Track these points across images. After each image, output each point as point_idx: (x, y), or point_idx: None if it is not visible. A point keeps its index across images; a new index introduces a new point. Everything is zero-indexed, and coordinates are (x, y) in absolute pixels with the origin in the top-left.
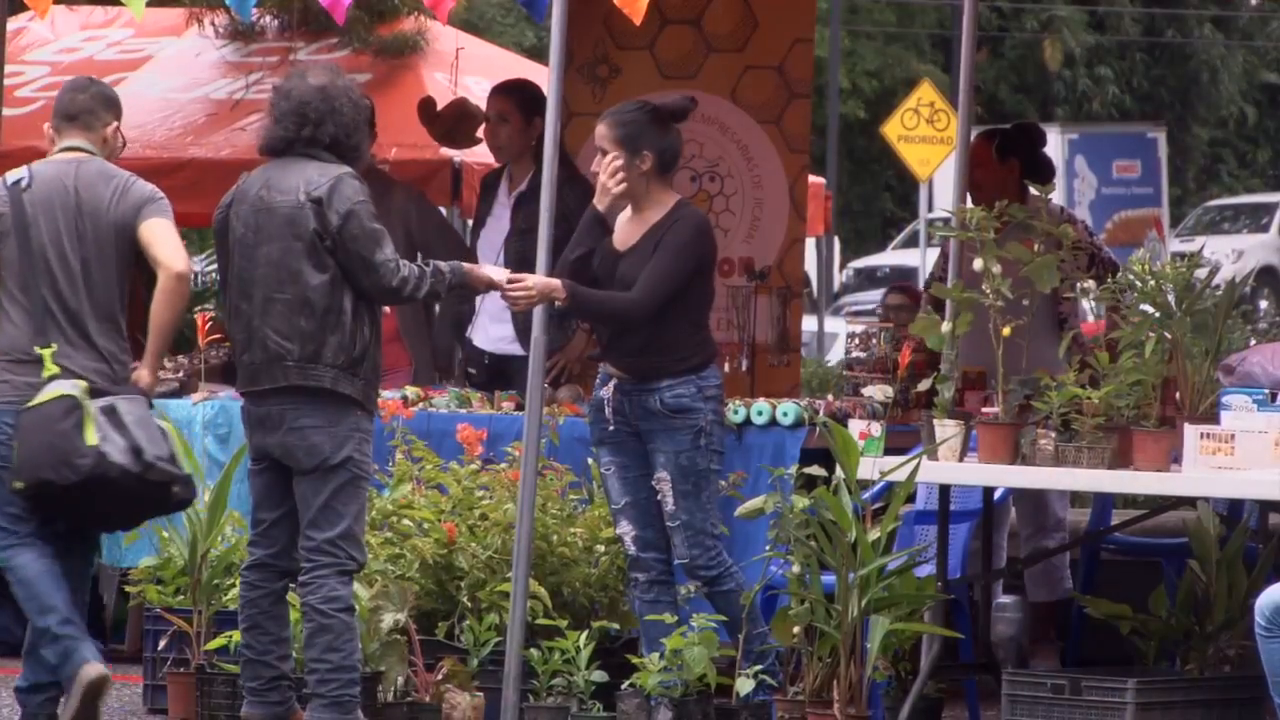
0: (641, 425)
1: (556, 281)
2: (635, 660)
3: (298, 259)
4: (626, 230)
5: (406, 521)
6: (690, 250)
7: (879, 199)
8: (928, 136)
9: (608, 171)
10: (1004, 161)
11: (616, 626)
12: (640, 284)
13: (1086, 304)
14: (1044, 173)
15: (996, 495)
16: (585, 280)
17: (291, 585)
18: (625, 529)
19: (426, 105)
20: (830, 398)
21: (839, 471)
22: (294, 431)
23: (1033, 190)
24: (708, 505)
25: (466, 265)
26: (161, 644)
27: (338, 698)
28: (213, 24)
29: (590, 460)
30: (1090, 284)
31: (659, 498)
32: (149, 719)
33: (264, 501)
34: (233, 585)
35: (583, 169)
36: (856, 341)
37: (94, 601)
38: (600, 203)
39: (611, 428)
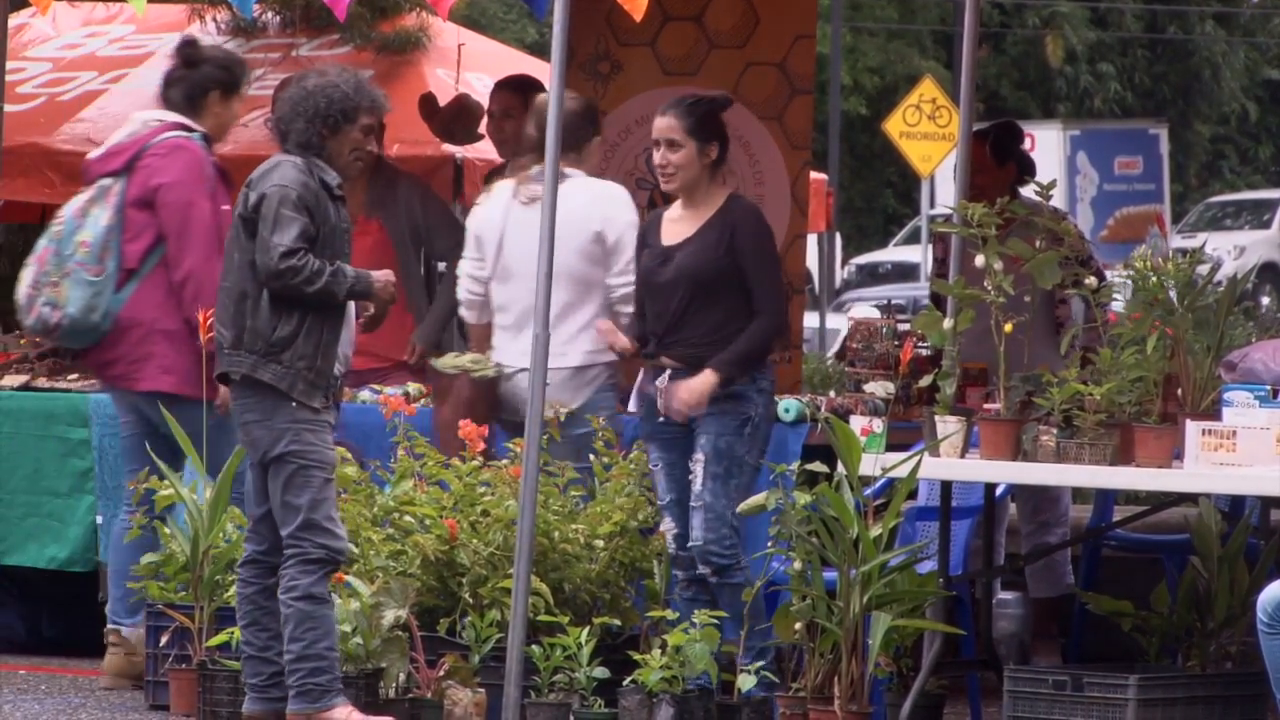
0: (693, 414)
1: (708, 385)
2: (637, 657)
3: (233, 245)
4: (678, 224)
5: (408, 518)
6: (770, 244)
7: (881, 195)
8: (929, 133)
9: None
10: (1002, 165)
11: (618, 623)
12: (760, 302)
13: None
14: (1031, 171)
15: (998, 492)
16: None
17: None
18: (668, 525)
19: (427, 101)
20: (832, 394)
21: (841, 468)
22: (241, 427)
23: (1033, 189)
24: (735, 494)
25: (375, 276)
26: (163, 640)
27: (301, 687)
28: (214, 20)
29: (591, 457)
30: (1091, 280)
31: (690, 477)
32: (151, 715)
33: (253, 497)
34: (234, 581)
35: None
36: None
37: (94, 598)
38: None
39: (663, 418)
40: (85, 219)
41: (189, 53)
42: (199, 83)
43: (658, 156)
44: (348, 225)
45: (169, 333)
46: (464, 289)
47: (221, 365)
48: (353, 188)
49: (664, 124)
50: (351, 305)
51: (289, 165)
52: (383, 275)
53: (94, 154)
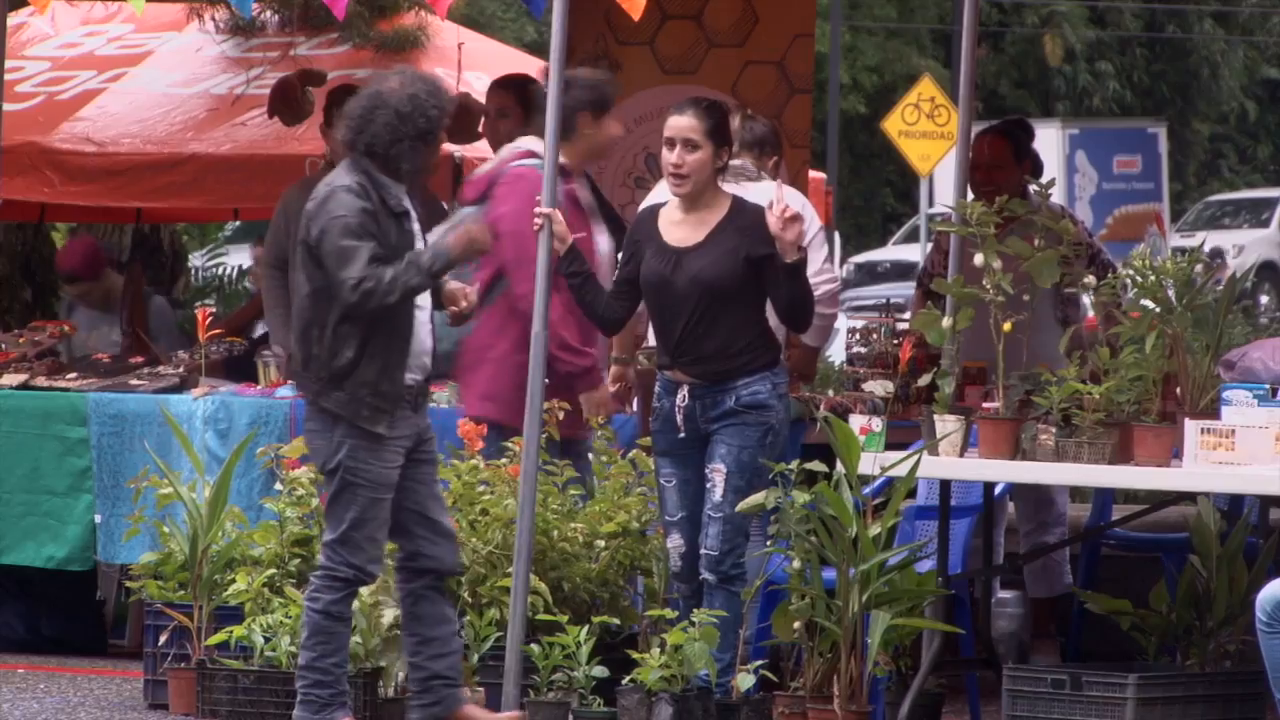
0: (711, 426)
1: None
2: (636, 655)
3: (296, 268)
4: (682, 227)
5: None
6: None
7: (879, 194)
8: (928, 132)
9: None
10: (1019, 164)
11: (617, 622)
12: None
13: (1086, 299)
14: (1039, 171)
15: (996, 491)
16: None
17: (433, 584)
18: (675, 542)
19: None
20: (831, 393)
21: (840, 467)
22: (305, 434)
23: (1032, 189)
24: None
25: (448, 242)
26: (162, 639)
27: (305, 695)
28: (213, 19)
29: (591, 456)
30: (1091, 279)
31: (708, 486)
32: (149, 714)
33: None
34: (233, 580)
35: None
36: (857, 337)
37: (93, 597)
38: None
39: (682, 434)
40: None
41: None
42: (568, 105)
43: (672, 156)
44: (412, 238)
45: (495, 360)
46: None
47: (295, 383)
48: None
49: (684, 123)
50: (423, 312)
51: (343, 193)
52: (458, 235)
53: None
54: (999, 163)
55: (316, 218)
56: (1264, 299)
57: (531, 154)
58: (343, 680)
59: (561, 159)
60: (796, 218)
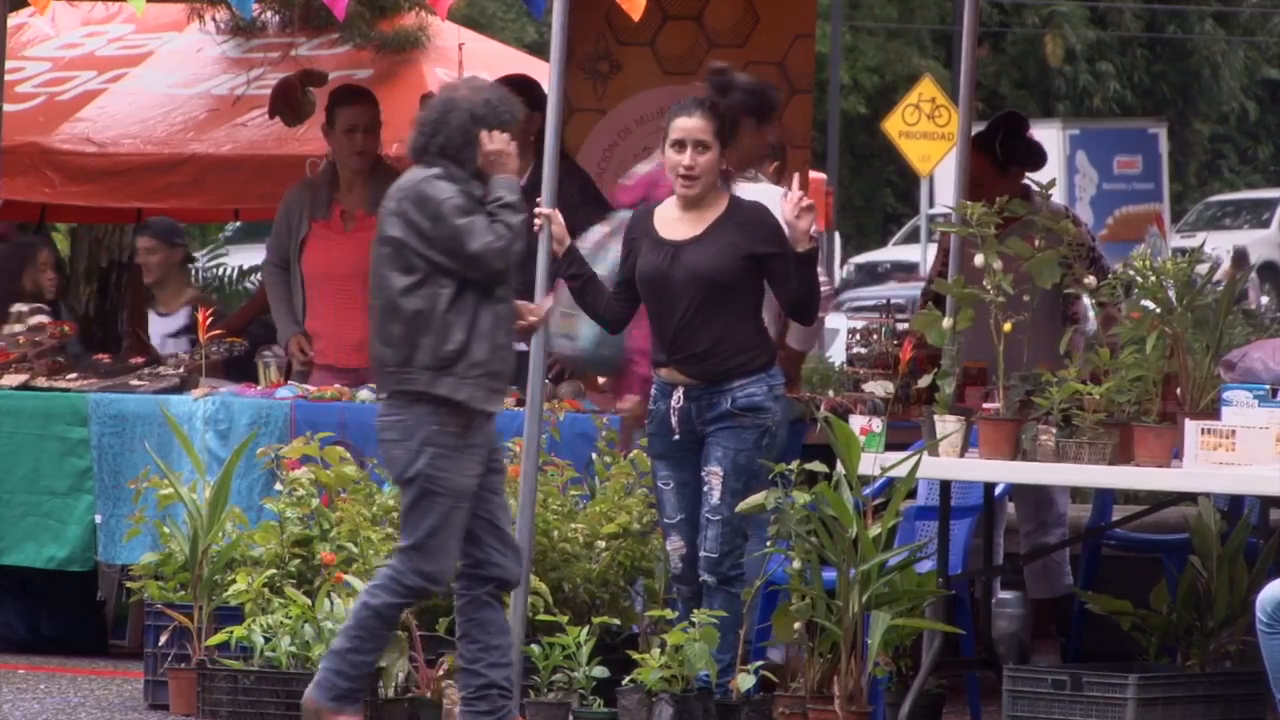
0: (707, 428)
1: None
2: (636, 656)
3: (385, 264)
4: (680, 223)
5: None
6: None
7: (880, 194)
8: (929, 132)
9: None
10: (1006, 172)
11: (617, 622)
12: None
13: (1086, 300)
14: (1037, 160)
15: (997, 492)
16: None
17: (494, 593)
18: (675, 544)
19: (427, 101)
20: (831, 393)
21: (840, 467)
22: (380, 444)
23: (1033, 187)
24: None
25: (504, 181)
26: (162, 640)
27: (325, 680)
28: (213, 19)
29: (594, 455)
30: (1091, 280)
31: (705, 489)
32: (150, 715)
33: None
34: (233, 581)
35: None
36: (857, 337)
37: (93, 598)
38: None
39: (677, 437)
40: (602, 252)
41: (721, 80)
42: (732, 109)
43: (684, 158)
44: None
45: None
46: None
47: (386, 384)
48: (353, 186)
49: (694, 124)
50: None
51: (435, 180)
52: (508, 180)
53: (621, 181)
54: (980, 180)
55: (420, 207)
56: (1265, 299)
57: None
58: (364, 680)
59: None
60: (811, 208)
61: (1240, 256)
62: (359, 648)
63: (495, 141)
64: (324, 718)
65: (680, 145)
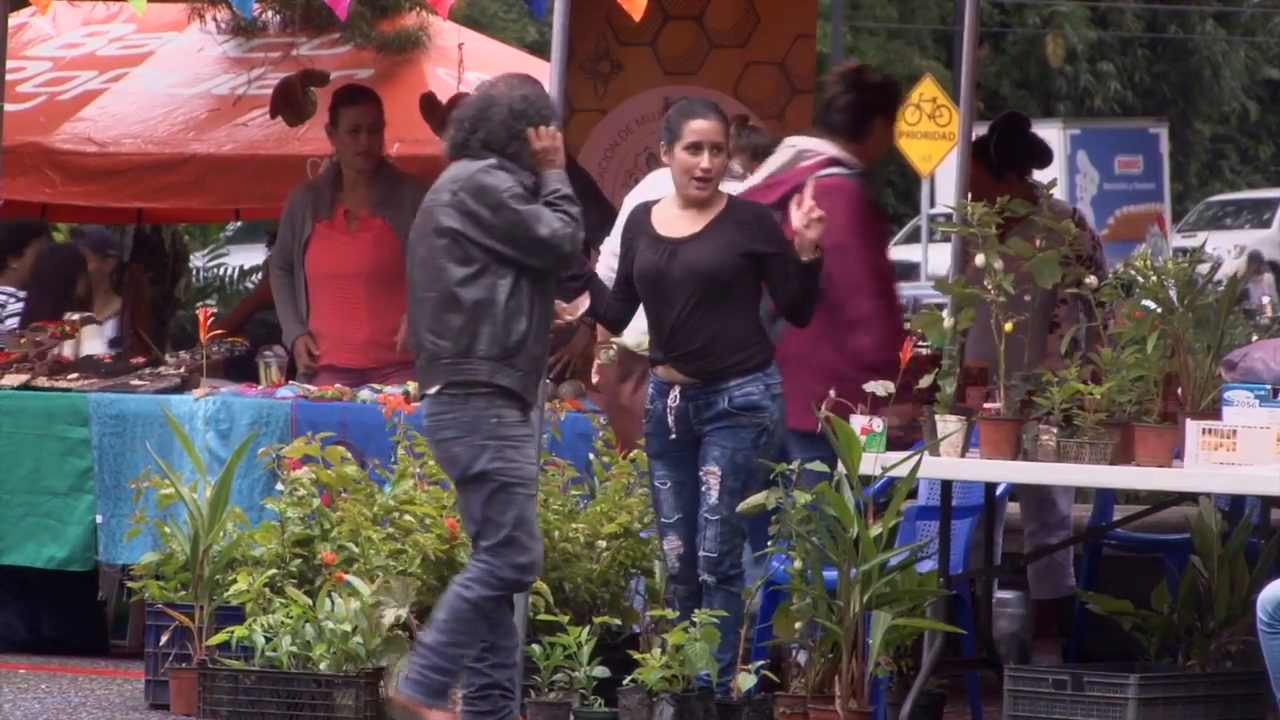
0: (704, 427)
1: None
2: (637, 656)
3: (441, 256)
4: (681, 220)
5: (408, 517)
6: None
7: (881, 194)
8: (930, 132)
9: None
10: (1001, 180)
11: (618, 622)
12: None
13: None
14: (1041, 158)
15: (998, 492)
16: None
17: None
18: (673, 544)
19: (428, 101)
20: (832, 393)
21: (841, 467)
22: (437, 444)
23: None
24: None
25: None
26: (163, 640)
27: (421, 676)
28: (214, 19)
29: (591, 456)
30: (1092, 280)
31: (703, 489)
32: (151, 715)
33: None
34: (234, 581)
35: (585, 164)
36: None
37: (94, 598)
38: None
39: (674, 436)
40: None
41: (856, 77)
42: (864, 106)
43: (703, 160)
44: None
45: (816, 370)
46: (605, 266)
47: (440, 376)
48: (357, 186)
49: (710, 127)
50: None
51: (491, 170)
52: (560, 174)
53: (750, 183)
54: (974, 188)
55: (479, 197)
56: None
57: (835, 161)
58: (458, 676)
59: (854, 159)
60: (821, 219)
61: (1255, 258)
62: (457, 641)
63: (544, 138)
64: (420, 713)
65: (697, 148)
